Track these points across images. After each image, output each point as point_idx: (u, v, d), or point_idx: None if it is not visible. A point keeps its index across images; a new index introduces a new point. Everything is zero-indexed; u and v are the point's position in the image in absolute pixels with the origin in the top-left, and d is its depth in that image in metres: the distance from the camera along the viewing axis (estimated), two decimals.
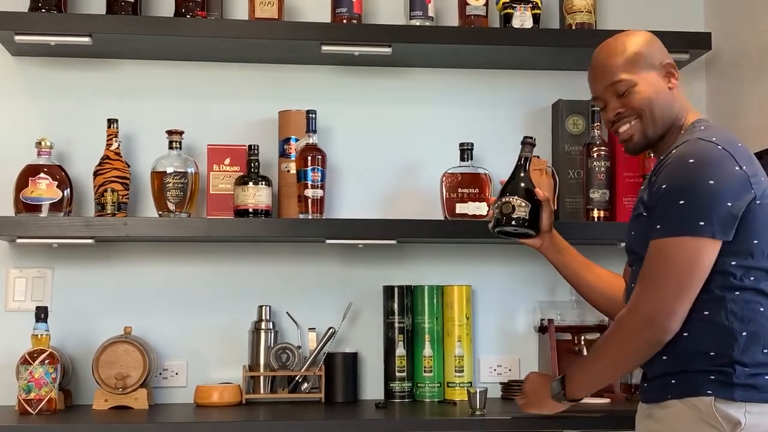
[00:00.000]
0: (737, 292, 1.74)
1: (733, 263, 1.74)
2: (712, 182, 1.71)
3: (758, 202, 1.74)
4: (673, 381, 1.76)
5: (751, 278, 1.75)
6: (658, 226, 1.75)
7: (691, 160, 1.74)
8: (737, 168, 1.74)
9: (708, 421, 1.70)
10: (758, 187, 1.75)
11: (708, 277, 1.73)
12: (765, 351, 1.72)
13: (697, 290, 1.73)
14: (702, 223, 1.70)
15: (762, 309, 1.74)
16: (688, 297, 1.72)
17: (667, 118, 1.89)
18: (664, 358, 1.77)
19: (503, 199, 2.10)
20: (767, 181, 1.80)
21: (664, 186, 1.76)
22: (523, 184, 2.11)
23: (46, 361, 2.28)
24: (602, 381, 1.94)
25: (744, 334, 1.72)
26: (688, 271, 1.72)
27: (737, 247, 1.73)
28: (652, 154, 2.43)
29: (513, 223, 2.08)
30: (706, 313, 1.74)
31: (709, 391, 1.71)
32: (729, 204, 1.71)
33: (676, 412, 1.75)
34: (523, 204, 2.07)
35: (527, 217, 2.07)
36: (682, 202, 1.72)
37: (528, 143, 2.17)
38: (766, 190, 1.77)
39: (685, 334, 1.74)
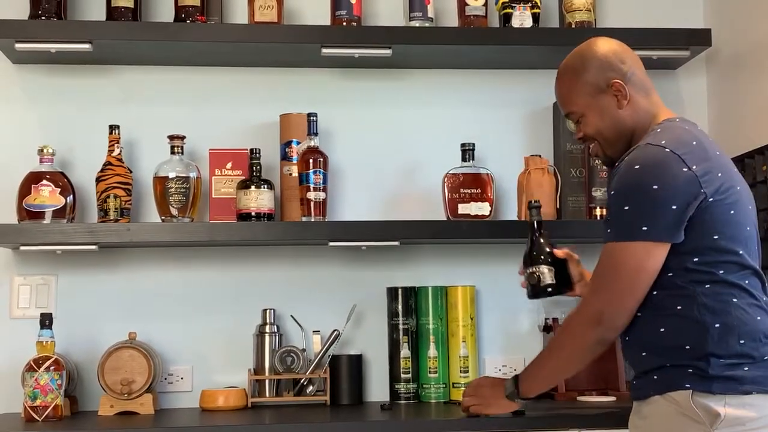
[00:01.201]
0: (707, 285, 1.76)
1: (696, 260, 1.77)
2: (656, 187, 1.75)
3: (711, 199, 1.76)
4: (654, 377, 1.80)
5: (721, 271, 1.77)
6: (608, 231, 1.82)
7: (637, 166, 1.79)
8: (685, 169, 1.76)
9: (688, 415, 1.72)
10: (709, 186, 1.77)
11: (677, 274, 1.77)
12: (741, 342, 1.74)
13: (644, 292, 1.78)
14: (645, 228, 1.75)
15: (735, 300, 1.76)
16: (634, 298, 1.79)
17: (623, 135, 1.93)
18: (644, 354, 1.81)
19: (528, 270, 2.17)
20: (725, 177, 1.81)
21: (612, 192, 1.82)
22: (544, 250, 2.16)
23: (52, 368, 2.28)
24: (554, 379, 2.05)
25: (717, 326, 1.74)
26: (634, 275, 1.77)
27: (696, 244, 1.77)
28: None
29: (546, 291, 2.15)
30: (679, 308, 1.77)
31: (687, 385, 1.74)
32: (674, 207, 1.74)
33: (659, 408, 1.78)
34: (546, 270, 2.15)
35: (554, 282, 2.15)
36: (626, 207, 1.78)
37: (534, 207, 2.21)
38: (722, 186, 1.79)
39: (662, 329, 1.78)
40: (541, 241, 2.17)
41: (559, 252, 2.17)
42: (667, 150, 1.78)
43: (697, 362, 1.74)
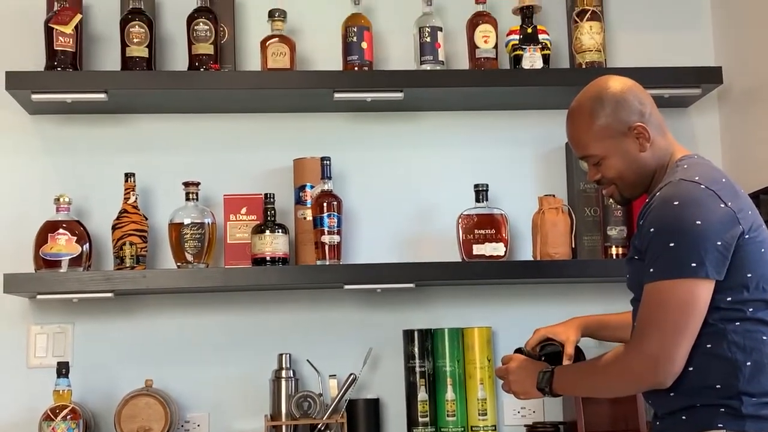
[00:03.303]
0: (737, 323, 1.74)
1: (729, 299, 1.74)
2: (699, 222, 1.72)
3: (747, 236, 1.75)
4: (683, 417, 1.76)
5: (750, 309, 1.74)
6: (651, 270, 1.75)
7: (676, 202, 1.75)
8: (722, 205, 1.74)
9: None
10: (745, 222, 1.75)
11: (708, 312, 1.73)
12: None
13: (695, 331, 1.72)
14: (694, 265, 1.71)
15: (765, 338, 1.74)
16: (687, 340, 1.72)
17: (644, 178, 1.90)
18: (672, 394, 1.77)
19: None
20: (754, 215, 1.80)
21: (652, 230, 1.76)
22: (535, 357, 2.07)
23: (69, 417, 2.27)
24: (589, 395, 2.09)
25: (748, 364, 1.72)
26: (685, 314, 1.71)
27: (731, 282, 1.74)
28: None
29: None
30: (708, 346, 1.74)
31: (720, 425, 1.71)
32: (719, 243, 1.72)
33: None
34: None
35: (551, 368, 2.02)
36: (672, 244, 1.72)
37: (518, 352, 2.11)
38: (754, 223, 1.77)
39: (690, 368, 1.74)
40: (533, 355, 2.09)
41: (556, 343, 2.08)
42: (702, 186, 1.76)
43: (729, 401, 1.71)
